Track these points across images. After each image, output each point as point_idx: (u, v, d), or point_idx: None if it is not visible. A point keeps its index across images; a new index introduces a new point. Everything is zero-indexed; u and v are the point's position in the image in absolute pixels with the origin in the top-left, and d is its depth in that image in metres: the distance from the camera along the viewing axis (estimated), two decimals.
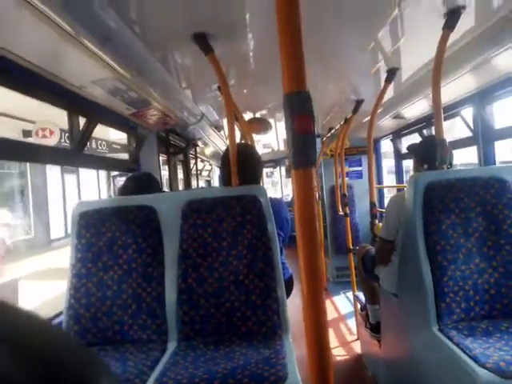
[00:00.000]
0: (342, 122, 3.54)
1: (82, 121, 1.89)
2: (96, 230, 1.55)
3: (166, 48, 1.77)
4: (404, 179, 4.11)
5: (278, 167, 9.02)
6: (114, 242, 1.55)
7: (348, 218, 3.53)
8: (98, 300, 1.50)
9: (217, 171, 7.73)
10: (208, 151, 5.22)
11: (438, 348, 1.38)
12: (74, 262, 1.55)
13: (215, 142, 4.08)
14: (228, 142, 1.73)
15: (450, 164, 1.82)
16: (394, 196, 2.10)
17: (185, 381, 1.15)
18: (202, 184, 6.48)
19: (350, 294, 4.08)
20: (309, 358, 0.69)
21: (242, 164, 1.64)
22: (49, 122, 6.58)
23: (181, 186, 4.57)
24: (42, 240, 8.80)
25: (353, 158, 4.88)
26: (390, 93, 2.59)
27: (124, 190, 1.85)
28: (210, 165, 6.47)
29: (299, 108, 0.65)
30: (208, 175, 6.96)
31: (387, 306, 2.08)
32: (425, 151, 1.96)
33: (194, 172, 4.57)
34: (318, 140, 4.61)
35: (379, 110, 2.67)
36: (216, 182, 7.72)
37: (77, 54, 1.37)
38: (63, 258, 1.61)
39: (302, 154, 0.65)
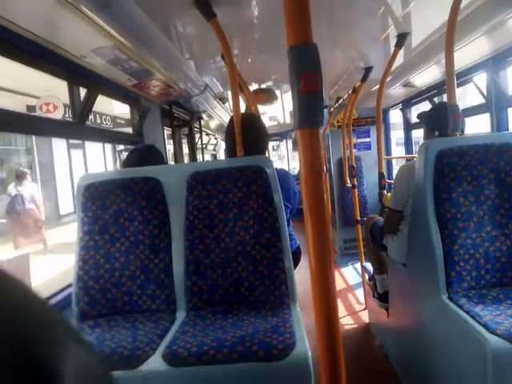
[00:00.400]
0: (349, 92, 3.44)
1: (82, 92, 1.85)
2: (102, 202, 1.55)
3: (167, 14, 1.70)
4: (413, 150, 4.04)
5: (284, 140, 8.92)
6: (120, 215, 1.55)
7: (356, 190, 3.50)
8: (107, 271, 1.52)
9: (222, 145, 7.67)
10: (213, 124, 5.16)
11: (448, 316, 1.38)
12: (81, 234, 1.55)
13: (220, 114, 4.01)
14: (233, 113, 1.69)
15: (462, 131, 1.77)
16: (403, 165, 2.06)
17: (194, 349, 1.17)
18: (207, 158, 6.45)
19: (357, 265, 4.10)
20: (318, 328, 0.69)
21: (247, 134, 1.61)
22: (52, 96, 6.52)
23: (186, 161, 4.54)
24: (52, 216, 8.92)
25: (361, 129, 4.78)
26: (399, 60, 2.50)
27: (128, 163, 1.83)
28: (216, 138, 6.41)
29: (306, 63, 0.60)
30: (214, 149, 6.91)
31: (395, 276, 2.09)
32: (436, 118, 1.90)
33: (199, 146, 4.53)
34: (326, 110, 4.52)
35: (388, 78, 2.58)
36: (222, 156, 7.68)
37: (75, 22, 1.32)
38: (73, 232, 1.62)
39: (308, 112, 0.61)
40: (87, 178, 1.60)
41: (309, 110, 0.61)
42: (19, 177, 5.75)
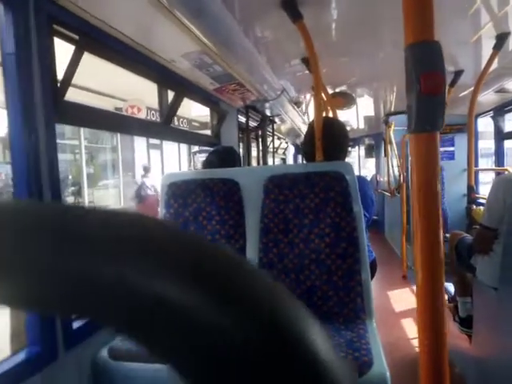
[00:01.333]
0: None
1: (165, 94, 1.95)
2: (183, 200, 1.61)
3: (254, 18, 1.73)
4: (504, 162, 3.64)
5: (356, 147, 8.63)
6: (199, 213, 1.60)
7: None
8: None
9: (291, 149, 7.65)
10: (284, 128, 5.16)
11: None
12: None
13: (293, 118, 4.00)
14: (313, 117, 1.66)
15: None
16: (499, 178, 1.85)
17: None
18: (276, 162, 6.47)
19: None
20: (421, 348, 0.63)
21: (328, 139, 1.57)
22: (137, 99, 7.06)
23: (254, 164, 4.59)
24: (130, 209, 9.61)
25: (445, 137, 4.44)
26: (493, 63, 2.28)
27: (208, 163, 1.89)
28: (286, 142, 6.41)
29: (427, 62, 0.55)
30: (283, 153, 6.91)
31: (483, 300, 1.89)
32: None
33: (269, 149, 4.56)
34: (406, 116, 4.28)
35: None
36: (290, 161, 7.66)
37: (169, 27, 1.39)
38: None
39: (427, 115, 0.56)
40: (171, 177, 1.67)
41: (428, 113, 0.56)
42: (146, 170, 7.25)
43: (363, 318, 1.39)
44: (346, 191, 1.46)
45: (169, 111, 1.86)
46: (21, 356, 1.03)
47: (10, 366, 0.98)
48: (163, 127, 1.88)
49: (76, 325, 1.18)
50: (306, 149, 1.70)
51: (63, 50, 1.17)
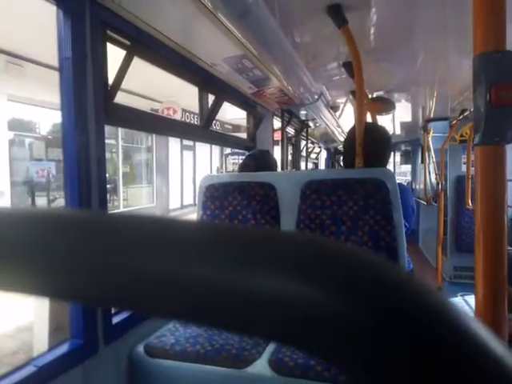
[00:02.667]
0: None
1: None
2: (220, 202, 1.63)
3: (296, 22, 1.72)
4: None
5: (391, 153, 8.42)
6: (235, 216, 1.61)
7: None
8: None
9: (324, 154, 7.57)
10: (318, 133, 5.11)
11: None
12: None
13: (328, 123, 3.96)
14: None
15: None
16: None
17: (300, 361, 1.15)
18: (309, 167, 6.43)
19: (469, 298, 3.64)
20: None
21: (369, 145, 1.53)
22: (173, 101, 7.22)
23: (289, 168, 4.57)
24: (162, 209, 9.84)
25: None
26: None
27: (244, 167, 1.91)
28: (319, 147, 6.36)
29: (498, 73, 0.53)
30: (316, 158, 6.85)
31: None
32: None
33: (303, 154, 4.53)
34: (446, 123, 4.14)
35: None
36: (322, 165, 7.58)
37: (212, 31, 1.41)
38: None
39: (496, 128, 0.54)
40: (208, 179, 1.70)
41: (498, 125, 0.53)
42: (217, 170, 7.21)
43: None
44: (387, 199, 1.42)
45: (209, 114, 1.89)
46: (64, 348, 1.07)
47: (55, 356, 1.02)
48: (203, 130, 1.92)
49: (115, 320, 1.22)
50: (346, 154, 1.68)
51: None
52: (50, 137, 7.82)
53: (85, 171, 1.06)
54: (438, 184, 4.16)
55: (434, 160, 4.36)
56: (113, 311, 1.22)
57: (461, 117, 3.84)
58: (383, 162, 1.63)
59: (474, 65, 0.57)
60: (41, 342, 2.23)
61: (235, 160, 9.68)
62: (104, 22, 1.10)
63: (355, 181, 1.48)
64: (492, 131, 0.54)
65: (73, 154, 1.05)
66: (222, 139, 2.47)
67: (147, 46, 1.31)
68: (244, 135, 2.71)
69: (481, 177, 0.58)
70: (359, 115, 1.59)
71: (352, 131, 1.61)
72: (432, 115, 4.14)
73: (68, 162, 1.06)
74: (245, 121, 2.75)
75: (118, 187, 9.00)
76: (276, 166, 2.09)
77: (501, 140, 0.54)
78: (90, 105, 1.07)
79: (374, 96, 3.25)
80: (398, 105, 3.66)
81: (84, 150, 1.06)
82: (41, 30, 4.21)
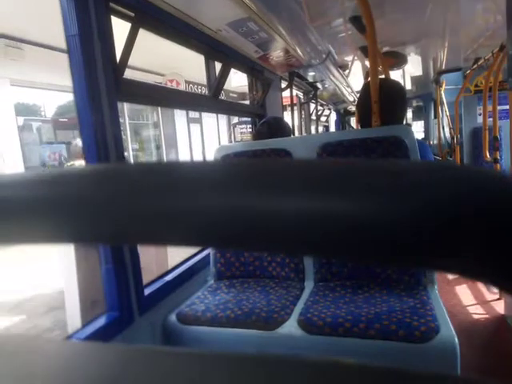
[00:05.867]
0: (495, 50, 2.95)
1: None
2: None
3: None
4: None
5: None
6: None
7: (498, 165, 3.07)
8: None
9: (333, 116, 7.42)
10: (326, 95, 4.99)
11: None
12: None
13: (337, 82, 3.85)
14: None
15: None
16: None
17: (329, 319, 1.18)
18: (319, 130, 6.32)
19: None
20: None
21: (385, 101, 1.49)
22: (176, 73, 7.09)
23: (297, 133, 4.51)
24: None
25: (500, 94, 4.11)
26: None
27: (258, 135, 1.89)
28: (329, 109, 6.22)
29: None
30: (326, 120, 6.73)
31: None
32: None
33: (313, 118, 4.45)
34: (460, 74, 3.99)
35: None
36: (332, 128, 7.45)
37: None
38: None
39: None
40: (223, 149, 1.69)
41: None
42: None
43: (424, 284, 1.37)
44: (406, 157, 1.40)
45: (217, 83, 1.86)
46: (102, 320, 1.12)
47: (94, 329, 1.07)
48: (212, 100, 1.89)
49: (147, 292, 1.27)
50: (361, 113, 1.64)
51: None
52: (59, 119, 7.83)
53: (103, 149, 1.07)
54: (452, 138, 4.08)
55: (448, 114, 4.24)
56: (144, 283, 1.26)
57: (475, 66, 3.69)
58: (400, 118, 1.59)
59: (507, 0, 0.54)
60: (73, 318, 2.34)
61: (243, 129, 9.58)
62: None
63: (372, 140, 1.45)
64: None
65: (90, 133, 1.05)
66: (231, 108, 2.43)
67: (152, 15, 1.28)
68: (248, 102, 2.66)
69: None
70: (373, 71, 1.54)
71: (365, 89, 1.56)
72: (444, 67, 3.99)
73: (86, 141, 1.06)
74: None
75: None
76: (290, 132, 2.06)
77: None
78: (102, 82, 1.06)
79: (385, 50, 3.14)
80: (409, 58, 3.52)
81: (100, 128, 1.06)
82: (37, 10, 4.12)
